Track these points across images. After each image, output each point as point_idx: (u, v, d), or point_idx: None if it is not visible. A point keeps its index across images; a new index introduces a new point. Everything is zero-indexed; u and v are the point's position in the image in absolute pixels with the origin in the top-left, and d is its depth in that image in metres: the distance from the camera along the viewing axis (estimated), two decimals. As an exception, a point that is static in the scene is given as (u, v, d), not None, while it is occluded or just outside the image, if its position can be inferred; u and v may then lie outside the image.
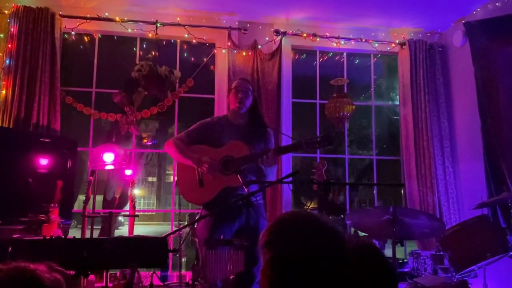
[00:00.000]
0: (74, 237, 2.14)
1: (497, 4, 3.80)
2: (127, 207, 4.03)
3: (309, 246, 0.92)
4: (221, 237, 2.38)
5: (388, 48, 4.43)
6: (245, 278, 2.45)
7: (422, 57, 4.28)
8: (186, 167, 2.83)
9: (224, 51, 4.14)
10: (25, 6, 3.73)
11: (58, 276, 1.07)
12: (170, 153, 2.94)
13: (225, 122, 2.95)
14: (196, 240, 3.19)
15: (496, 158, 3.59)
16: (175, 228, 3.10)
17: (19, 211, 2.94)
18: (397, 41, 4.41)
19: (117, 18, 3.95)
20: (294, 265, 0.91)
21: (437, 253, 3.20)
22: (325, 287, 0.89)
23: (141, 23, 3.99)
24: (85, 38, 4.17)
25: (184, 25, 4.04)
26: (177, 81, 4.10)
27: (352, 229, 3.00)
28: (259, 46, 4.17)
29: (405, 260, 3.61)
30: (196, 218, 3.17)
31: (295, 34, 4.24)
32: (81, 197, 3.58)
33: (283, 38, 4.20)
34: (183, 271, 3.58)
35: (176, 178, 2.92)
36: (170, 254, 2.12)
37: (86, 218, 3.33)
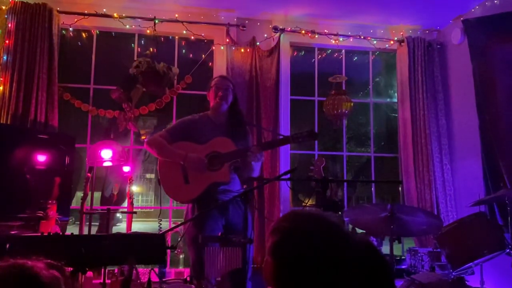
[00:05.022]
0: (72, 233, 2.14)
1: (495, 1, 3.80)
2: (125, 204, 4.03)
3: (317, 236, 0.95)
4: (219, 233, 2.40)
5: (387, 46, 4.43)
6: (239, 275, 2.45)
7: (420, 55, 4.28)
8: (169, 165, 2.79)
9: (222, 47, 4.13)
10: (22, 2, 3.71)
11: (56, 273, 1.07)
12: (153, 151, 2.84)
13: (206, 119, 2.95)
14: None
15: (494, 155, 3.60)
16: (173, 225, 3.10)
17: (17, 208, 2.94)
18: (396, 39, 4.40)
19: (115, 14, 3.94)
20: (301, 251, 0.94)
21: (435, 250, 3.20)
22: (325, 279, 0.90)
23: (139, 20, 3.99)
24: (83, 34, 4.16)
25: (182, 22, 4.03)
26: (175, 77, 4.10)
27: (350, 226, 3.01)
28: (258, 43, 4.16)
29: (402, 257, 3.62)
30: (191, 216, 3.16)
31: (294, 31, 4.23)
32: (79, 194, 3.58)
33: (282, 35, 4.19)
34: (181, 268, 3.59)
35: (159, 177, 2.83)
36: (168, 251, 2.12)
37: (84, 215, 3.32)
